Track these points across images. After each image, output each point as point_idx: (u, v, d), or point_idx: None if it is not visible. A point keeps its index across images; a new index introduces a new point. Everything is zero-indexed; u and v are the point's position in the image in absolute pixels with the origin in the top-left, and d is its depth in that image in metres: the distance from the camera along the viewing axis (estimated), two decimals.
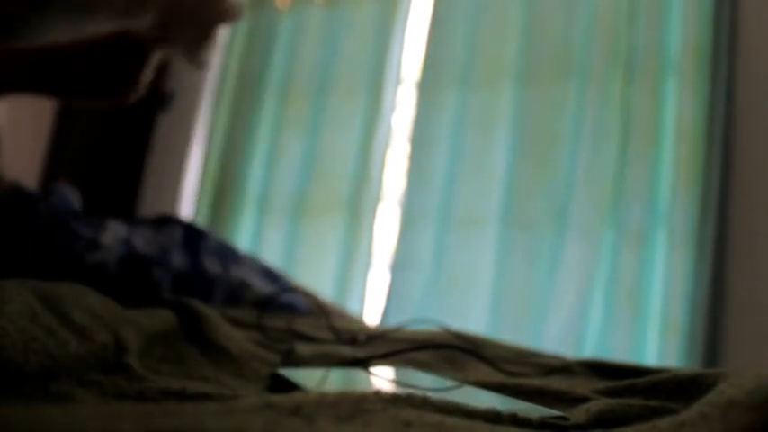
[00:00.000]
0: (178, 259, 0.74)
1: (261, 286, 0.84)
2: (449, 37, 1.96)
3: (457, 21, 1.96)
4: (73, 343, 0.34)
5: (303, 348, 0.52)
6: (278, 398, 0.25)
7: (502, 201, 1.77)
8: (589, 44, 1.73)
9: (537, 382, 0.43)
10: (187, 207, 2.51)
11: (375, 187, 2.05)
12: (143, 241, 0.71)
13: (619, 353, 1.51)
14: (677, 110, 1.58)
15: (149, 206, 2.61)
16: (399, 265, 1.89)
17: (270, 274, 0.86)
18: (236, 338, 0.48)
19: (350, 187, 2.07)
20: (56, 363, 0.32)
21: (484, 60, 1.89)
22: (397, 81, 2.11)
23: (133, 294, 0.67)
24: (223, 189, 2.37)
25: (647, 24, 1.65)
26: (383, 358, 0.49)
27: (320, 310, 0.88)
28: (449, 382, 0.41)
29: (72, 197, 0.71)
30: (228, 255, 0.82)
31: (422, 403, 0.28)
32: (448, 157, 1.89)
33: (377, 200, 2.04)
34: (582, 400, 0.39)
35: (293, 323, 0.69)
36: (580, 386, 0.46)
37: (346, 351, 0.54)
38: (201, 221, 2.40)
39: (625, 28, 1.68)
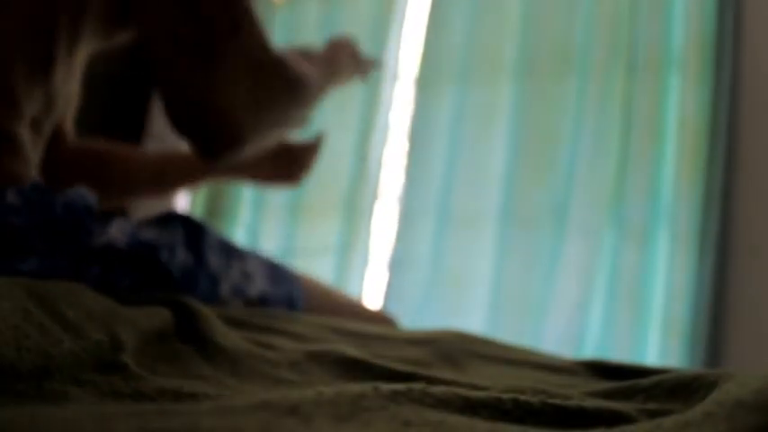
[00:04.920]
0: (182, 255, 0.75)
1: (263, 280, 0.85)
2: (447, 32, 1.95)
3: (455, 15, 1.95)
4: (67, 341, 0.34)
5: (300, 347, 0.51)
6: (275, 397, 0.25)
7: (501, 198, 1.77)
8: (590, 39, 1.72)
9: (537, 382, 0.43)
10: (182, 205, 2.51)
11: (373, 185, 2.04)
12: (149, 236, 0.73)
13: (619, 353, 1.50)
14: (680, 106, 1.57)
15: (143, 204, 2.60)
16: (397, 264, 1.89)
17: (271, 267, 0.88)
18: (233, 337, 0.48)
19: (347, 184, 2.06)
20: (50, 361, 0.32)
21: (483, 56, 1.88)
22: (395, 77, 2.10)
23: (141, 275, 0.68)
24: (218, 187, 2.36)
25: (650, 18, 1.64)
26: (382, 358, 0.49)
27: (322, 309, 0.88)
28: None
29: (88, 196, 0.72)
30: (230, 249, 0.83)
31: (421, 396, 0.28)
32: (446, 154, 1.88)
33: (374, 197, 2.04)
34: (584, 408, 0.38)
35: (292, 322, 0.69)
36: (581, 386, 0.45)
37: (346, 350, 0.53)
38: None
39: (627, 22, 1.66)
